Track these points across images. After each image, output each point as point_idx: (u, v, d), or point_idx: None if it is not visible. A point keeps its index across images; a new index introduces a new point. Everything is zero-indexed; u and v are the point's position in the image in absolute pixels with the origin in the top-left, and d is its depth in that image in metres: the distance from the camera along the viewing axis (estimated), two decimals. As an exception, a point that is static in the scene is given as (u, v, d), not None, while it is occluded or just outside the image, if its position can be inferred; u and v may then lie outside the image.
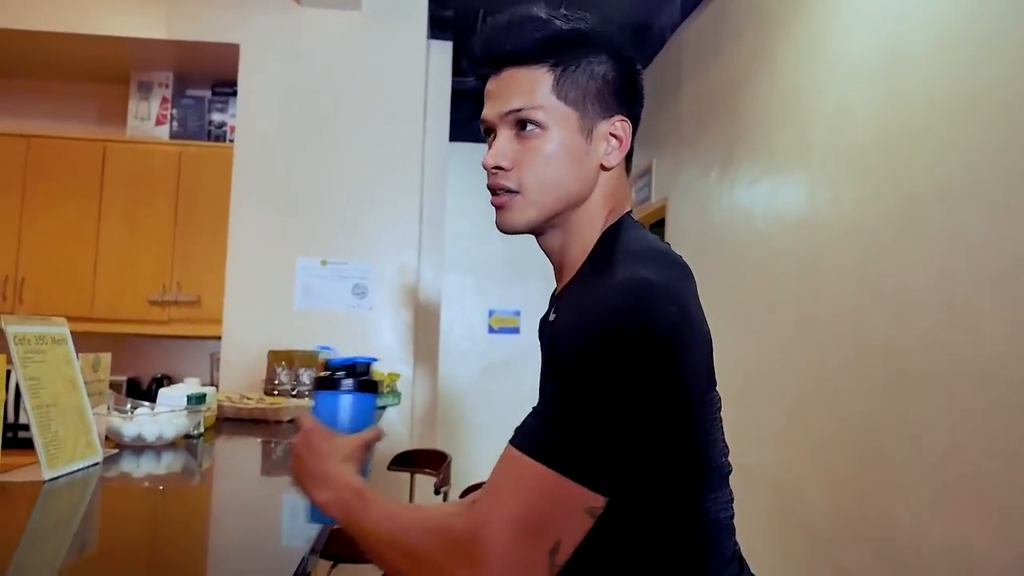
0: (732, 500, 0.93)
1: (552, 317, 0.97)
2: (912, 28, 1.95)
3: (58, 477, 1.41)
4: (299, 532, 1.21)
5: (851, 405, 2.15)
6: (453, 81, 4.49)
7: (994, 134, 1.64)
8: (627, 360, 0.75)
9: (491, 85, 0.93)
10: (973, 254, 1.69)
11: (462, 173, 4.94)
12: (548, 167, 0.89)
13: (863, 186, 2.15)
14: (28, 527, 1.23)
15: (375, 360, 1.10)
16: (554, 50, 0.89)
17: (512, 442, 0.77)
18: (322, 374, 1.01)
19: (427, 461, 2.55)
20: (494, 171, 0.91)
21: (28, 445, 1.40)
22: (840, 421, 2.20)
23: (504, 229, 0.94)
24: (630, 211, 0.99)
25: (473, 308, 5.71)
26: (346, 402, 0.95)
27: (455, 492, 2.41)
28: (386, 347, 3.29)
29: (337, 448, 0.88)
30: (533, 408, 0.80)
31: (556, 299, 0.99)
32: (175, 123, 3.62)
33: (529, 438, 0.75)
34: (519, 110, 0.89)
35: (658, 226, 4.35)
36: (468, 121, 5.18)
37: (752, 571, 0.96)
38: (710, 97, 3.35)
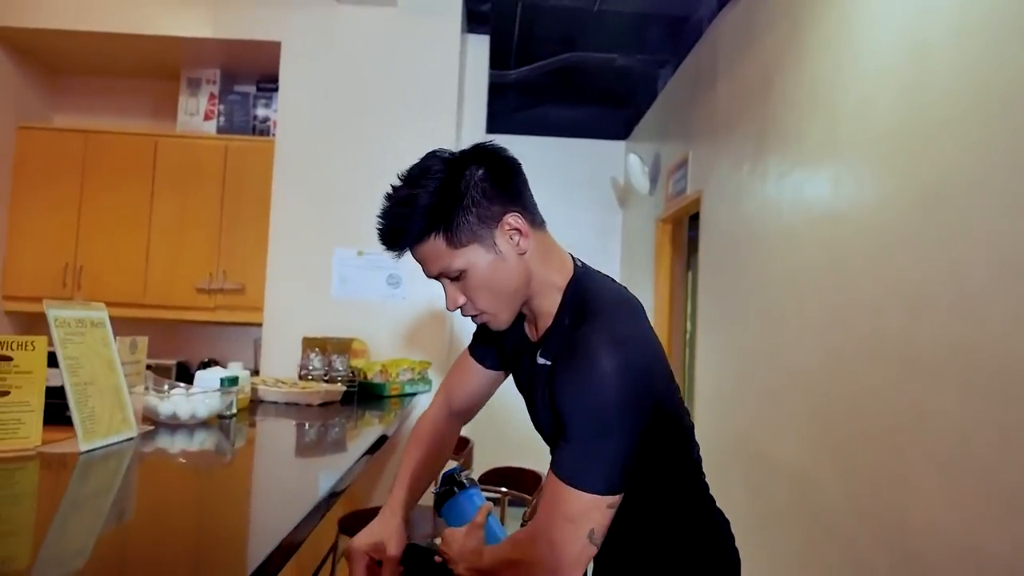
0: (698, 445, 1.29)
1: (542, 361, 1.20)
2: (934, 20, 1.92)
3: (94, 450, 1.53)
4: (306, 506, 1.30)
5: (869, 398, 2.14)
6: (492, 74, 4.56)
7: (1009, 126, 1.62)
8: (635, 402, 1.03)
9: (412, 254, 1.15)
10: (987, 247, 1.68)
11: (500, 165, 4.98)
12: (487, 289, 1.13)
13: (883, 178, 2.13)
14: (65, 494, 1.34)
15: (460, 468, 1.45)
16: (430, 222, 1.09)
17: (555, 472, 1.05)
18: (438, 490, 1.37)
19: (451, 446, 2.62)
20: (454, 311, 1.17)
21: (69, 422, 1.52)
22: (858, 414, 2.19)
23: (498, 329, 1.20)
24: (575, 261, 1.23)
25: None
26: (462, 501, 1.32)
27: (477, 475, 2.48)
28: (418, 335, 3.39)
29: (461, 540, 1.24)
30: (562, 440, 1.05)
31: (540, 345, 1.21)
32: (222, 118, 3.78)
33: (566, 470, 1.04)
34: (440, 273, 1.13)
35: (693, 219, 4.34)
36: (507, 113, 5.24)
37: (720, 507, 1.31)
38: (744, 89, 3.33)
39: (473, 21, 4.02)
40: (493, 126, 4.85)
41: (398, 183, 1.15)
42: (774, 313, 2.86)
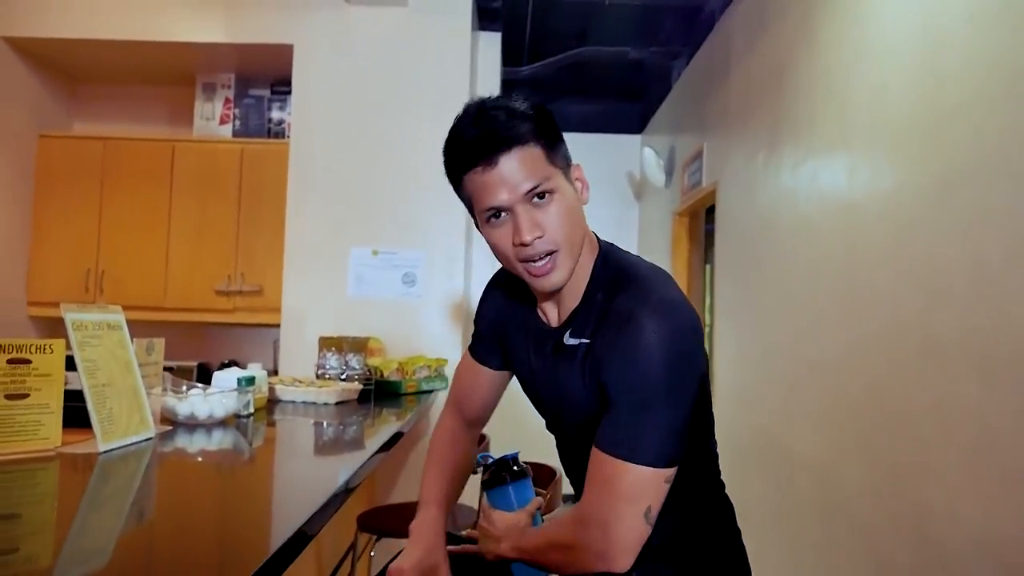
0: (716, 442, 1.28)
1: (572, 341, 1.13)
2: (947, 8, 1.90)
3: (112, 450, 1.56)
4: (334, 499, 1.31)
5: (888, 387, 2.12)
6: (505, 71, 4.56)
7: (1022, 111, 1.59)
8: (691, 371, 1.02)
9: (488, 176, 1.03)
10: (1003, 233, 1.65)
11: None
12: (568, 220, 1.06)
13: (900, 166, 2.10)
14: (85, 494, 1.37)
15: (518, 452, 1.42)
16: (538, 129, 1.05)
17: (606, 449, 1.02)
18: (486, 476, 1.33)
19: (468, 442, 2.64)
20: (530, 243, 1.04)
21: (87, 424, 1.55)
22: (878, 404, 2.17)
23: (550, 288, 1.09)
24: (598, 238, 1.20)
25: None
26: (510, 491, 1.30)
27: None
28: (434, 333, 3.40)
29: (510, 519, 1.25)
30: (611, 415, 1.02)
31: (568, 326, 1.15)
32: (237, 122, 3.82)
33: (619, 445, 1.01)
34: (535, 187, 1.03)
35: (709, 212, 4.32)
36: (521, 110, 5.23)
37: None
38: (757, 79, 3.30)
39: (484, 18, 4.02)
40: (507, 123, 4.84)
41: (482, 101, 1.09)
42: (792, 304, 2.84)
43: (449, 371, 3.30)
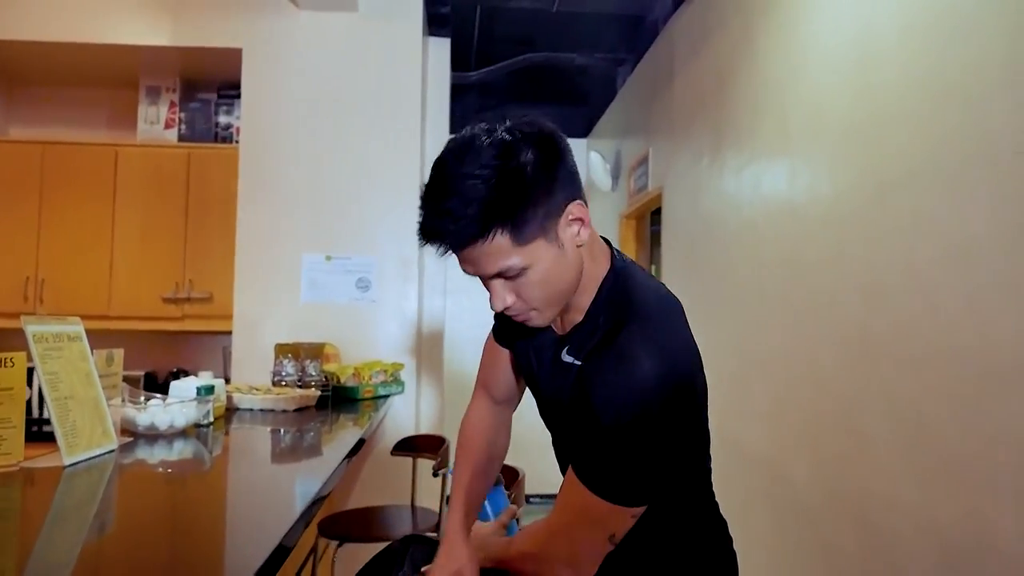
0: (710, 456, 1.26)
1: (568, 359, 1.12)
2: (880, 18, 2.02)
3: (77, 463, 1.54)
4: (294, 510, 1.33)
5: (832, 385, 2.23)
6: (453, 76, 4.59)
7: (955, 119, 1.71)
8: (675, 416, 0.99)
9: (458, 254, 0.99)
10: (936, 236, 1.77)
11: (465, 166, 5.02)
12: (547, 287, 1.01)
13: (838, 173, 2.22)
14: (52, 508, 1.35)
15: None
16: (499, 216, 0.93)
17: (582, 477, 1.01)
18: None
19: (427, 446, 2.67)
20: (501, 311, 1.03)
21: (49, 439, 1.53)
22: (823, 400, 2.29)
23: (536, 326, 1.08)
24: (612, 250, 1.14)
25: (480, 298, 5.80)
26: (486, 500, 1.38)
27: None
28: (390, 338, 3.42)
29: (484, 529, 1.32)
30: (592, 445, 1.00)
31: (567, 341, 1.13)
32: (183, 126, 3.75)
33: (594, 479, 1.00)
34: (500, 272, 0.98)
35: (655, 214, 4.43)
36: (469, 114, 5.28)
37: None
38: (700, 86, 3.42)
39: (434, 24, 4.05)
40: (457, 127, 4.88)
41: (444, 171, 0.98)
42: (737, 304, 2.96)
43: (406, 376, 3.32)
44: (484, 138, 0.97)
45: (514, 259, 0.96)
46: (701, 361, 1.10)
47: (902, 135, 1.91)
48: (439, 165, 0.99)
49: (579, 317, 1.11)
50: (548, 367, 1.18)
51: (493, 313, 1.25)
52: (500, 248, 0.95)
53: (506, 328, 1.30)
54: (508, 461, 2.43)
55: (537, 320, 1.06)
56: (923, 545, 1.79)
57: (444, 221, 0.94)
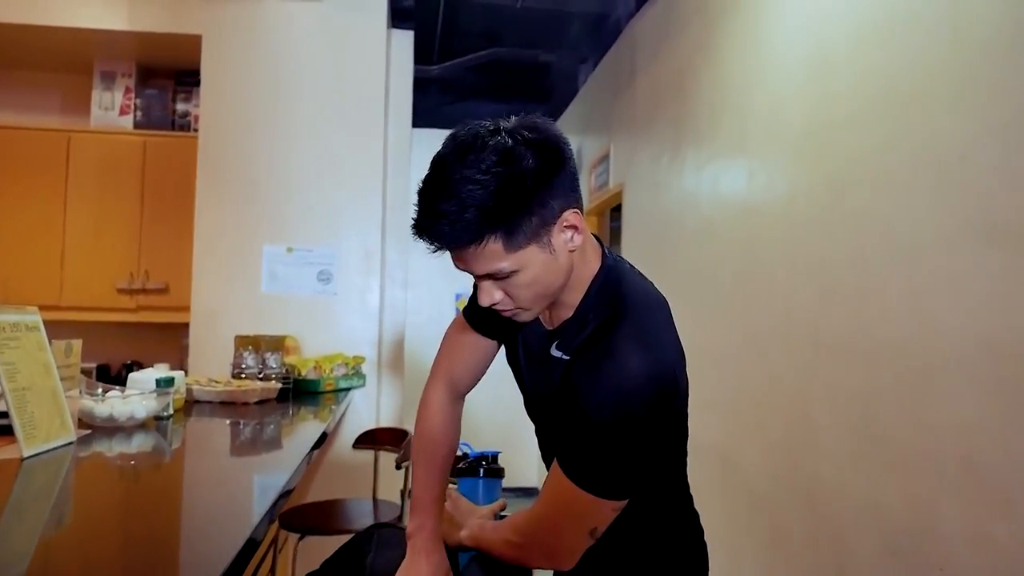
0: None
1: (557, 354, 1.14)
2: (834, 24, 2.09)
3: (35, 455, 1.52)
4: (260, 504, 1.33)
5: (784, 376, 2.31)
6: (416, 69, 4.57)
7: (905, 123, 1.79)
8: (660, 414, 1.02)
9: (451, 253, 1.00)
10: (884, 235, 1.85)
11: (425, 158, 4.93)
12: (534, 288, 1.03)
13: (794, 172, 2.30)
14: (9, 501, 1.33)
15: (499, 452, 1.44)
16: (494, 222, 0.95)
17: (565, 470, 1.03)
18: (462, 465, 1.42)
19: (389, 439, 2.68)
20: (489, 307, 1.06)
21: (8, 431, 1.50)
22: (774, 392, 2.36)
23: (522, 321, 1.12)
24: (604, 250, 1.16)
25: (440, 291, 5.82)
26: (480, 484, 1.42)
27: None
28: (351, 331, 3.40)
29: (474, 510, 1.33)
30: (576, 439, 1.03)
31: (557, 336, 1.15)
32: (139, 113, 3.67)
33: (577, 472, 1.02)
34: (492, 274, 1.01)
35: (615, 211, 4.49)
36: (432, 108, 5.26)
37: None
38: (661, 85, 3.48)
39: (397, 16, 4.03)
40: (418, 121, 4.87)
41: (443, 171, 0.98)
42: (694, 300, 3.02)
43: (367, 368, 3.31)
44: (487, 139, 0.98)
45: (504, 263, 0.98)
46: (684, 360, 1.13)
47: (854, 138, 1.99)
48: (439, 163, 0.99)
49: (569, 313, 1.13)
50: (535, 359, 1.20)
51: (471, 299, 1.29)
52: (492, 252, 0.97)
53: (490, 319, 1.26)
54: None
55: (524, 316, 1.09)
56: (866, 529, 1.87)
57: (440, 223, 0.95)
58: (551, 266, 1.02)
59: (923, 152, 1.72)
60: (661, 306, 1.13)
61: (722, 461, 2.72)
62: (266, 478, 1.65)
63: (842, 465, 1.99)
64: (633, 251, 3.88)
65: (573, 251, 1.05)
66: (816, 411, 2.12)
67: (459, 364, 1.35)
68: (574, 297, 1.11)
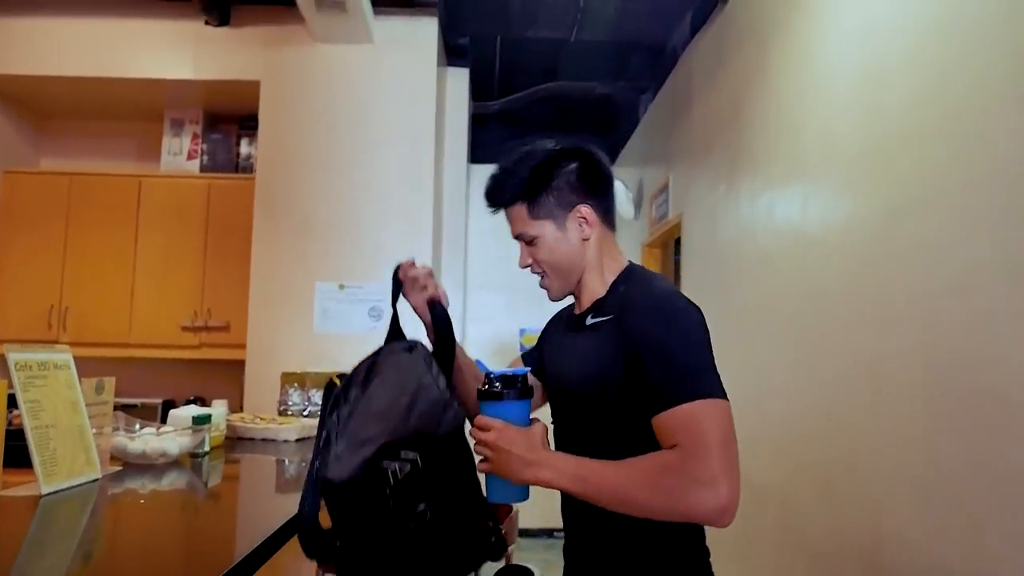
0: None
1: (592, 320, 1.28)
2: (888, 45, 1.96)
3: (56, 492, 1.53)
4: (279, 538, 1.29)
5: (844, 419, 2.13)
6: (475, 105, 4.61)
7: (961, 145, 1.64)
8: (700, 321, 1.18)
9: (506, 213, 1.34)
10: (941, 263, 1.69)
11: (486, 195, 5.02)
12: (551, 256, 1.32)
13: (849, 200, 2.15)
14: (26, 538, 1.34)
15: (528, 370, 1.33)
16: (522, 191, 1.30)
17: (670, 403, 1.07)
18: (483, 387, 1.19)
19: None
20: (523, 268, 1.35)
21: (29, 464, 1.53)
22: (836, 436, 2.18)
23: (551, 299, 1.38)
24: (629, 262, 1.37)
25: (505, 327, 5.78)
26: (510, 408, 1.16)
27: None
28: (402, 367, 3.38)
29: (531, 439, 1.14)
30: (659, 375, 1.10)
31: (590, 311, 1.30)
32: (205, 157, 3.82)
33: (685, 391, 1.07)
34: (519, 235, 1.33)
35: (678, 243, 4.36)
36: (493, 143, 5.29)
37: None
38: (717, 113, 3.37)
39: (452, 55, 4.08)
40: (479, 156, 4.90)
41: (517, 153, 1.34)
42: (753, 337, 2.86)
43: (416, 405, 3.28)
44: (550, 144, 1.33)
45: (527, 227, 1.30)
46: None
47: (912, 160, 1.84)
48: (518, 149, 1.34)
49: (601, 293, 1.31)
50: (571, 335, 1.35)
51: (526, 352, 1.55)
52: (519, 215, 1.31)
53: (546, 332, 1.51)
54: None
55: (549, 287, 1.34)
56: (937, 593, 1.68)
57: (494, 181, 1.33)
58: (563, 242, 1.30)
59: (979, 172, 1.57)
60: (687, 303, 1.22)
61: (780, 507, 2.53)
62: (291, 513, 1.62)
63: (905, 518, 1.80)
64: (692, 284, 3.73)
65: (586, 241, 1.30)
66: (878, 460, 1.94)
67: None
68: (602, 285, 1.32)
